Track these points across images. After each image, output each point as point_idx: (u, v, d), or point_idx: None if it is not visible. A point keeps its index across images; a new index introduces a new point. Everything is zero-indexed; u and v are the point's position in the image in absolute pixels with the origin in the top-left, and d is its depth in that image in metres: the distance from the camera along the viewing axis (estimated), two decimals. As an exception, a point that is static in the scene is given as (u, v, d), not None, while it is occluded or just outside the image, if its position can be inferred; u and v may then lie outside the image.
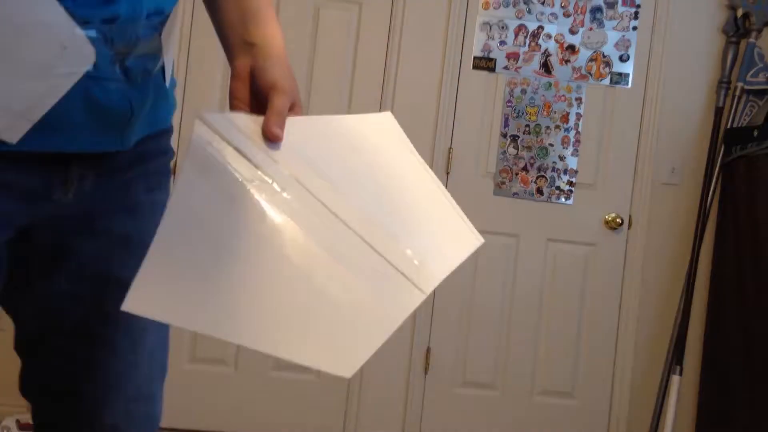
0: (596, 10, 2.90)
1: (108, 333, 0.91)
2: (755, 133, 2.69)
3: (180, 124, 2.75)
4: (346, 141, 0.85)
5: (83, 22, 0.70)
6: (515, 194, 2.87)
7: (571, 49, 2.89)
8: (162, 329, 1.02)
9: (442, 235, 0.88)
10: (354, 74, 2.83)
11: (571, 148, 2.88)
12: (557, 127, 2.88)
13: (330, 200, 0.77)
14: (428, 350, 2.84)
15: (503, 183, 2.87)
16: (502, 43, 2.87)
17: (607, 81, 2.90)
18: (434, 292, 2.83)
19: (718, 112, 2.87)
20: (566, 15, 2.89)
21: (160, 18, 0.81)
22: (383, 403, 2.81)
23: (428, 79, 2.84)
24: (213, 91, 2.76)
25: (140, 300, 0.60)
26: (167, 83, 0.94)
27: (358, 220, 0.78)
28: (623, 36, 2.90)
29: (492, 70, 2.87)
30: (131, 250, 0.88)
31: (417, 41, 2.84)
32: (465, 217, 0.91)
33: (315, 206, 0.76)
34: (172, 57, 0.92)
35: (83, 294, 0.89)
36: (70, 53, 0.69)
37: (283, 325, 0.68)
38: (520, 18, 2.88)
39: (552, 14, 2.89)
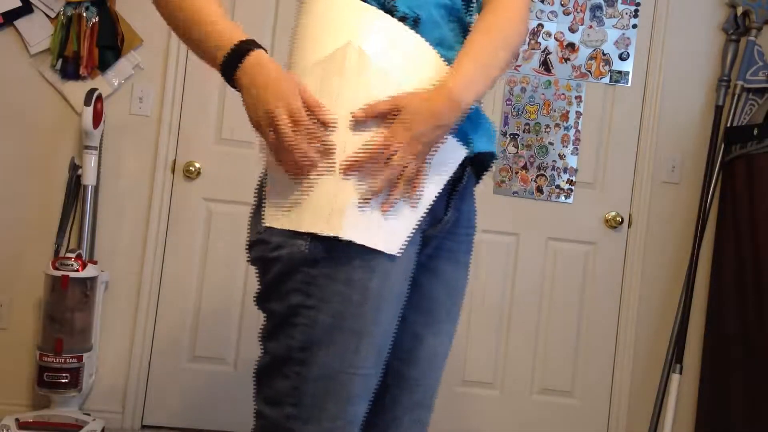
0: (596, 8, 2.89)
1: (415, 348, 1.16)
2: (755, 132, 2.69)
3: (179, 122, 2.75)
4: None
5: None
6: (515, 193, 2.87)
7: (571, 47, 2.89)
8: (446, 357, 1.21)
9: None
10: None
11: (570, 147, 2.87)
12: (557, 125, 2.87)
13: None
14: (428, 349, 2.83)
15: (503, 182, 2.86)
16: (502, 41, 2.87)
17: (606, 79, 2.89)
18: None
19: (718, 110, 2.86)
20: (566, 13, 2.89)
21: None
22: (383, 402, 2.81)
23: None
24: (212, 90, 2.75)
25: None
26: None
27: None
28: (623, 34, 2.90)
29: (491, 68, 2.86)
30: None
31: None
32: None
33: None
34: None
35: None
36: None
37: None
38: (519, 16, 2.87)
39: (552, 12, 2.88)
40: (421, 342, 1.14)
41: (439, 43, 1.07)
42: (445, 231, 1.13)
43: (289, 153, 0.98)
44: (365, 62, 1.01)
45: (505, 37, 1.10)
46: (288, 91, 0.98)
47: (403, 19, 1.05)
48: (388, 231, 1.00)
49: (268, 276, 1.03)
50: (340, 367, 0.99)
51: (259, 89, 0.99)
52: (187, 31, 1.07)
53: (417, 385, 1.15)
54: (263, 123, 1.00)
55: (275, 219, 1.02)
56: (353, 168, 0.98)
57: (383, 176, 0.98)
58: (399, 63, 1.03)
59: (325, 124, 0.99)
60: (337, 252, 0.98)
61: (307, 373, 0.99)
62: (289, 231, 1.00)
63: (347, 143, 0.99)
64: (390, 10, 1.05)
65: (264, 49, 1.03)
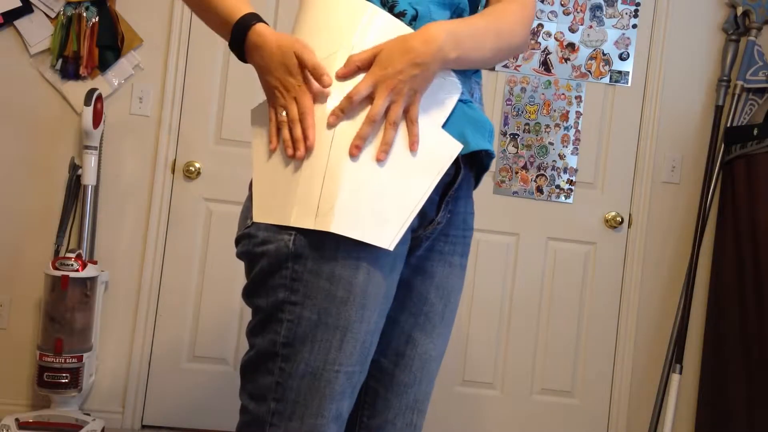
0: (596, 8, 2.89)
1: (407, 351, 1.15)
2: (755, 132, 2.69)
3: (179, 122, 2.75)
4: None
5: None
6: (515, 193, 2.87)
7: (571, 47, 2.89)
8: (440, 361, 1.20)
9: None
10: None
11: (571, 147, 2.87)
12: (557, 125, 2.87)
13: None
14: (428, 349, 2.83)
15: (503, 182, 2.86)
16: (502, 41, 2.86)
17: (606, 79, 2.89)
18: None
19: (718, 110, 2.87)
20: (566, 13, 2.89)
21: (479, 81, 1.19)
22: (383, 402, 2.81)
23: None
24: (212, 90, 2.75)
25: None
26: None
27: None
28: (623, 34, 2.90)
29: (491, 68, 2.87)
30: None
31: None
32: None
33: None
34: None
35: None
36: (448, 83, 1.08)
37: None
38: (519, 16, 2.87)
39: (552, 12, 2.88)
40: (415, 345, 1.14)
41: None
42: (437, 232, 1.12)
43: (287, 131, 1.02)
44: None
45: (499, 27, 1.10)
46: (284, 65, 1.02)
47: (402, 15, 1.06)
48: (380, 225, 0.99)
49: (254, 271, 1.03)
50: (324, 363, 0.98)
51: (261, 67, 1.05)
52: (202, 10, 1.12)
53: (409, 389, 1.14)
54: (270, 101, 1.06)
55: (262, 213, 1.02)
56: (336, 115, 0.99)
57: (366, 118, 0.99)
58: None
59: (322, 84, 1.01)
60: (322, 247, 0.98)
61: (291, 369, 0.99)
62: (275, 226, 1.00)
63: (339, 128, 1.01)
64: (391, 6, 1.06)
65: (263, 21, 1.06)
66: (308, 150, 0.99)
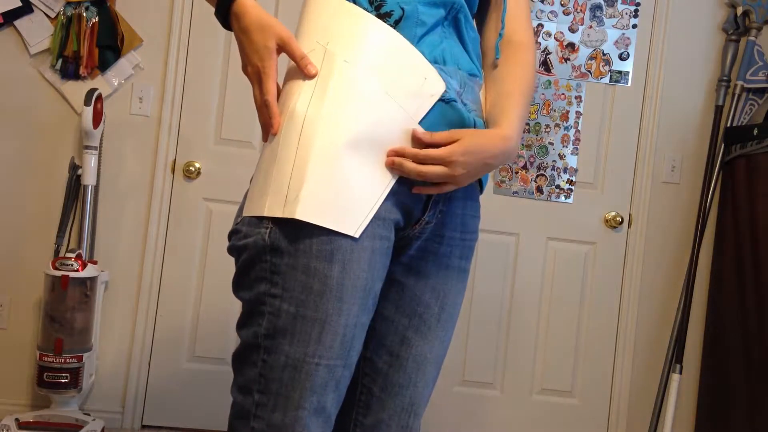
0: (596, 8, 2.89)
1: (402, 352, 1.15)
2: (755, 132, 2.69)
3: (179, 122, 2.75)
4: None
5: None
6: (515, 193, 2.87)
7: (571, 47, 2.89)
8: (439, 365, 1.19)
9: None
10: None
11: (570, 147, 2.87)
12: (557, 125, 2.87)
13: None
14: (428, 349, 2.83)
15: (503, 182, 2.87)
16: (502, 41, 2.86)
17: (606, 79, 2.89)
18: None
19: (718, 110, 2.87)
20: (566, 13, 2.89)
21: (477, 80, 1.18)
22: (383, 402, 2.81)
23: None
24: (212, 90, 2.75)
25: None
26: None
27: None
28: (623, 34, 2.90)
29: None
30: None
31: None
32: None
33: None
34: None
35: None
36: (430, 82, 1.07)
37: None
38: (519, 16, 2.87)
39: (552, 12, 2.88)
40: (409, 346, 1.13)
41: (420, 40, 1.08)
42: (427, 233, 1.12)
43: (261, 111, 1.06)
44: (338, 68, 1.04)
45: (530, 93, 1.17)
46: (262, 44, 1.04)
47: (389, 15, 1.06)
48: (346, 212, 1.00)
49: (238, 265, 1.05)
50: (304, 356, 0.99)
51: (238, 38, 1.06)
52: None
53: (404, 390, 1.14)
54: (249, 76, 1.08)
55: (248, 207, 1.05)
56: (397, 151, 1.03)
57: (427, 157, 1.04)
58: (381, 64, 1.04)
59: (308, 74, 1.03)
60: (296, 240, 0.99)
61: (272, 361, 1.00)
62: (255, 219, 1.02)
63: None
64: (378, 6, 1.07)
65: None
66: (273, 134, 1.03)
